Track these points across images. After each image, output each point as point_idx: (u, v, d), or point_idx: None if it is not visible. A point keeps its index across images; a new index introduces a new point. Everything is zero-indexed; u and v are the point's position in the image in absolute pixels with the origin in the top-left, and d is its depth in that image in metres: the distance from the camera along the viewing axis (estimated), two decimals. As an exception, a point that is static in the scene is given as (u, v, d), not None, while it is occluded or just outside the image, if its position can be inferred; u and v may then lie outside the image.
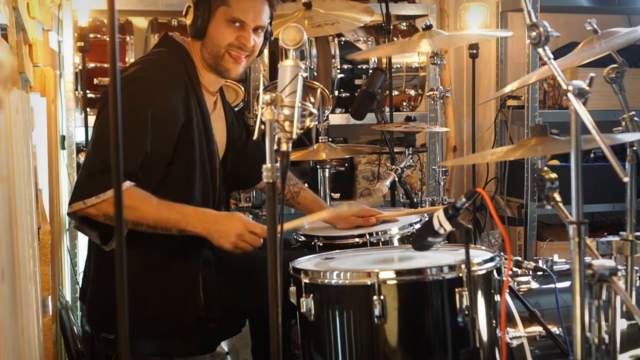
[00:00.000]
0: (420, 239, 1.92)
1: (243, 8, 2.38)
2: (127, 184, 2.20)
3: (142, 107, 2.26)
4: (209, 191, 2.42)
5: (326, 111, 3.32)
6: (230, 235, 2.24)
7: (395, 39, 4.00)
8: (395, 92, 4.09)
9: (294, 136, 1.65)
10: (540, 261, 2.49)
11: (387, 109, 3.68)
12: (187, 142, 2.34)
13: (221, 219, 2.27)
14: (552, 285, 2.41)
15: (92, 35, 3.60)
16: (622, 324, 2.22)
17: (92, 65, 3.65)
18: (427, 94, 3.39)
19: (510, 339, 2.27)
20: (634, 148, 2.07)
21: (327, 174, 3.31)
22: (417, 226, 2.57)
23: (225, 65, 2.41)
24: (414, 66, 4.14)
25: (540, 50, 1.58)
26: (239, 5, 2.38)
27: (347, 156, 3.88)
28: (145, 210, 2.21)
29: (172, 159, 2.33)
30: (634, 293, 2.14)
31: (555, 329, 2.29)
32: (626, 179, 2.01)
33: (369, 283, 1.94)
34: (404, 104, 4.18)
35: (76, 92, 3.62)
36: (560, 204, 1.59)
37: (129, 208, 2.17)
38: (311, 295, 2.02)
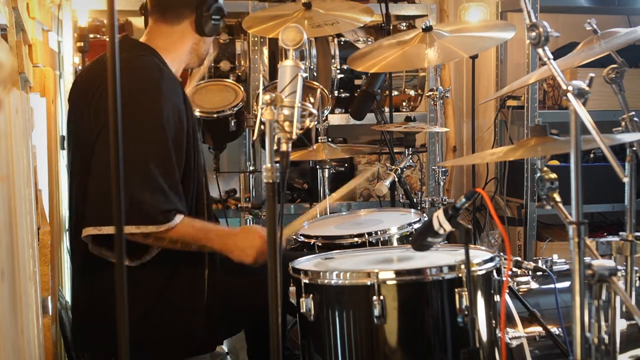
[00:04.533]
0: (419, 239, 1.92)
1: None
2: (178, 218, 2.15)
3: (158, 123, 2.17)
4: (202, 188, 2.42)
5: (326, 111, 3.32)
6: (249, 251, 2.24)
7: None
8: (395, 92, 4.09)
9: (294, 136, 1.65)
10: (540, 261, 2.49)
11: (387, 109, 3.68)
12: (187, 139, 2.30)
13: (240, 236, 2.26)
14: (552, 286, 2.41)
15: (91, 36, 3.60)
16: (622, 324, 2.22)
17: (91, 65, 3.65)
18: (427, 94, 3.39)
19: (510, 339, 2.28)
20: (634, 148, 2.07)
21: (326, 174, 3.31)
22: (417, 226, 2.58)
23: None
24: (413, 66, 4.14)
25: (540, 50, 1.58)
26: None
27: (347, 156, 3.88)
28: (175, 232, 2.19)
29: (186, 164, 2.29)
30: (633, 293, 2.14)
31: (555, 329, 2.29)
32: (626, 179, 2.02)
33: (369, 283, 1.94)
34: (404, 104, 4.18)
35: (76, 92, 3.61)
36: (560, 204, 1.59)
37: (183, 234, 2.18)
38: (311, 295, 2.02)
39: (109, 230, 2.11)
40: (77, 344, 2.39)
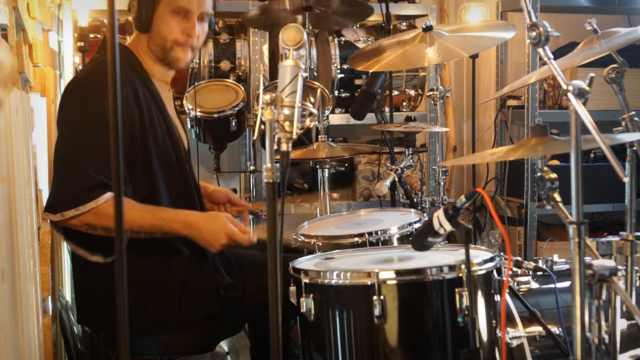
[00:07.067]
0: (420, 239, 1.92)
1: None
2: (107, 195, 2.15)
3: (94, 112, 2.14)
4: (189, 181, 2.43)
5: (326, 111, 3.32)
6: (214, 245, 2.26)
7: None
8: (395, 92, 4.09)
9: (294, 136, 1.65)
10: (540, 261, 2.49)
11: (387, 109, 3.68)
12: (150, 135, 2.31)
13: (204, 227, 2.25)
14: (552, 285, 2.41)
15: (92, 35, 3.60)
16: (622, 324, 2.22)
17: (92, 65, 3.65)
18: (427, 94, 3.39)
19: (510, 339, 2.27)
20: (634, 148, 2.07)
21: (327, 174, 3.31)
22: (417, 226, 2.57)
23: (174, 55, 2.39)
24: (414, 66, 4.13)
25: (540, 50, 1.58)
26: None
27: (347, 156, 3.88)
28: (128, 217, 2.17)
29: (139, 156, 2.29)
30: (634, 293, 2.14)
31: (555, 329, 2.29)
32: (626, 179, 2.02)
33: (369, 283, 1.94)
34: (404, 104, 4.18)
35: (76, 92, 3.61)
36: (560, 204, 1.59)
37: (111, 216, 2.16)
38: (311, 295, 2.02)
39: (50, 217, 2.18)
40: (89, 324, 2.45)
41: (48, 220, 2.22)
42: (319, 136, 3.19)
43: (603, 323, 1.58)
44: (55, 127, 2.37)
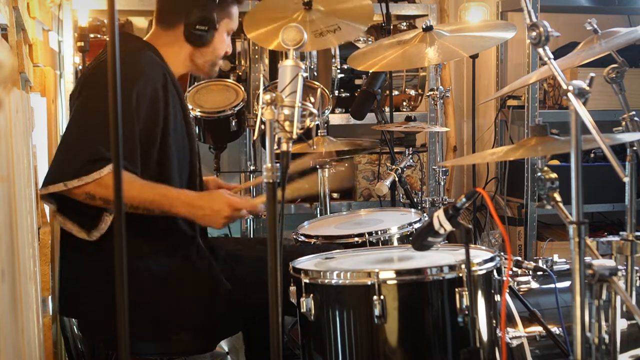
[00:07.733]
0: (420, 238, 1.92)
1: (237, 19, 2.51)
2: (109, 167, 2.13)
3: (127, 91, 2.19)
4: (195, 176, 2.44)
5: (326, 111, 3.32)
6: (217, 219, 2.27)
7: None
8: (396, 92, 4.09)
9: (294, 136, 1.66)
10: (540, 261, 2.49)
11: (387, 109, 3.68)
12: (171, 122, 2.33)
13: (205, 203, 2.26)
14: (552, 285, 2.41)
15: (92, 35, 3.60)
16: (622, 324, 2.22)
17: (92, 65, 3.65)
18: (427, 94, 3.39)
19: (510, 339, 2.28)
20: (634, 148, 2.07)
21: (327, 174, 3.31)
22: (417, 226, 2.58)
23: (215, 69, 2.52)
24: (414, 66, 4.13)
25: (540, 50, 1.58)
26: (235, 17, 2.50)
27: (347, 153, 3.87)
28: (128, 191, 2.15)
29: (159, 145, 2.30)
30: (634, 293, 2.14)
31: (555, 329, 2.29)
32: (626, 179, 2.02)
33: (369, 283, 1.94)
34: (404, 104, 4.18)
35: (76, 92, 3.61)
36: (560, 204, 1.59)
37: (112, 188, 2.13)
38: (311, 295, 2.02)
39: (49, 189, 2.13)
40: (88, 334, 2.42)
41: (40, 198, 2.19)
42: (319, 131, 3.19)
43: (603, 323, 1.58)
44: (56, 126, 2.37)
